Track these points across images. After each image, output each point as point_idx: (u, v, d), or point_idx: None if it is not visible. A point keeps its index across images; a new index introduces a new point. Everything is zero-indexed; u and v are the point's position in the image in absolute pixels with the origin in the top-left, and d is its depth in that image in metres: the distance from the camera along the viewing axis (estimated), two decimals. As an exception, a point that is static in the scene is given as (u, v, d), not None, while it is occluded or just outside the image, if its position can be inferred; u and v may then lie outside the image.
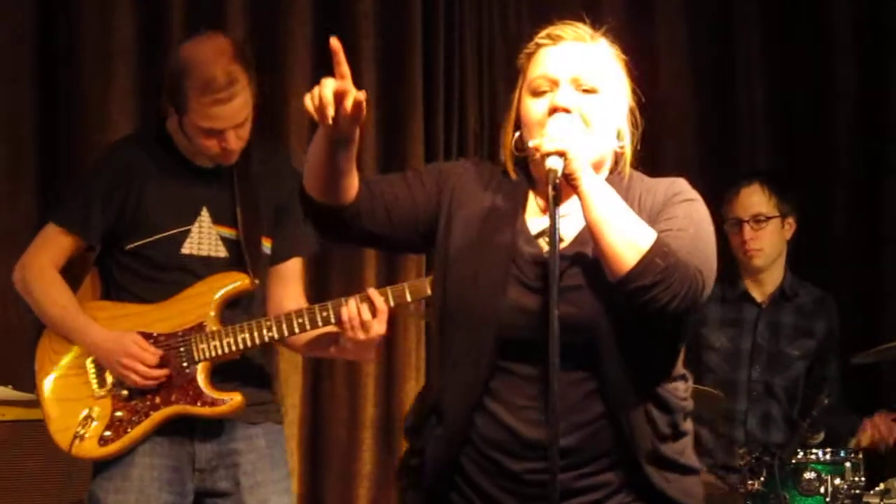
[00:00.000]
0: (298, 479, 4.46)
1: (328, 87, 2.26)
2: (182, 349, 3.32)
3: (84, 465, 3.40)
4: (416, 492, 2.53)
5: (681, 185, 2.54)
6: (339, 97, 2.26)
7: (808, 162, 5.08)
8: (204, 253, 3.37)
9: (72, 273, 3.39)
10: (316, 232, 2.60)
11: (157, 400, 3.31)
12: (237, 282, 3.36)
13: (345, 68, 2.26)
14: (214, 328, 3.32)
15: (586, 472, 2.42)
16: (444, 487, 2.50)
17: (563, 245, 2.42)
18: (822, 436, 4.09)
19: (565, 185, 2.38)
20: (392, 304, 3.26)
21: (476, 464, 2.47)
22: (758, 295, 4.40)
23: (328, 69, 2.28)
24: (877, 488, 3.98)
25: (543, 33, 2.55)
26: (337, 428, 4.54)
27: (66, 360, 3.37)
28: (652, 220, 2.41)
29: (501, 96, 4.58)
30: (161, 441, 3.33)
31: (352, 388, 4.54)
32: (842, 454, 3.91)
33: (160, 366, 3.30)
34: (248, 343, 3.30)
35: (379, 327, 3.23)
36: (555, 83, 2.48)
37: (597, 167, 2.46)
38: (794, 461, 3.88)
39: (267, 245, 3.44)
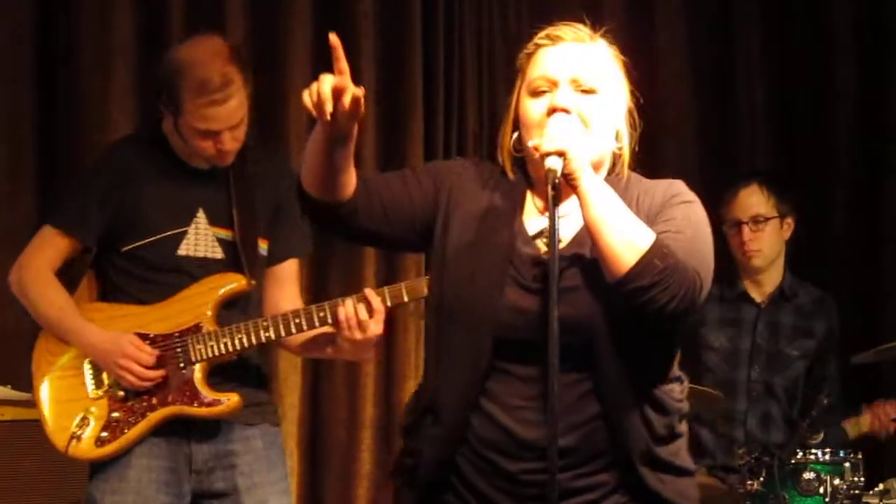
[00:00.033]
0: (298, 478, 4.47)
1: (326, 83, 2.25)
2: (179, 350, 3.32)
3: (81, 464, 3.40)
4: (412, 491, 2.53)
5: (679, 186, 2.54)
6: (338, 93, 2.25)
7: (808, 162, 5.08)
8: (200, 254, 3.37)
9: (68, 275, 3.39)
10: (313, 228, 2.60)
11: (154, 401, 3.31)
12: (234, 283, 3.36)
13: (343, 64, 2.25)
14: (211, 329, 3.32)
15: (582, 472, 2.42)
16: (440, 488, 2.50)
17: (560, 246, 2.41)
18: (821, 436, 4.09)
19: (564, 186, 2.38)
20: (389, 304, 3.26)
21: (472, 464, 2.47)
22: (757, 295, 4.40)
23: (328, 68, 2.27)
24: (876, 488, 3.98)
25: (543, 34, 2.55)
26: (336, 428, 4.54)
27: (62, 361, 3.36)
28: (650, 222, 2.41)
29: (501, 96, 4.58)
30: (158, 442, 3.33)
31: (351, 388, 4.55)
32: (841, 454, 3.91)
33: (157, 366, 3.30)
34: (245, 343, 3.30)
35: (376, 327, 3.22)
36: (554, 84, 2.48)
37: (595, 168, 2.46)
38: (793, 461, 3.88)
39: (263, 246, 3.44)
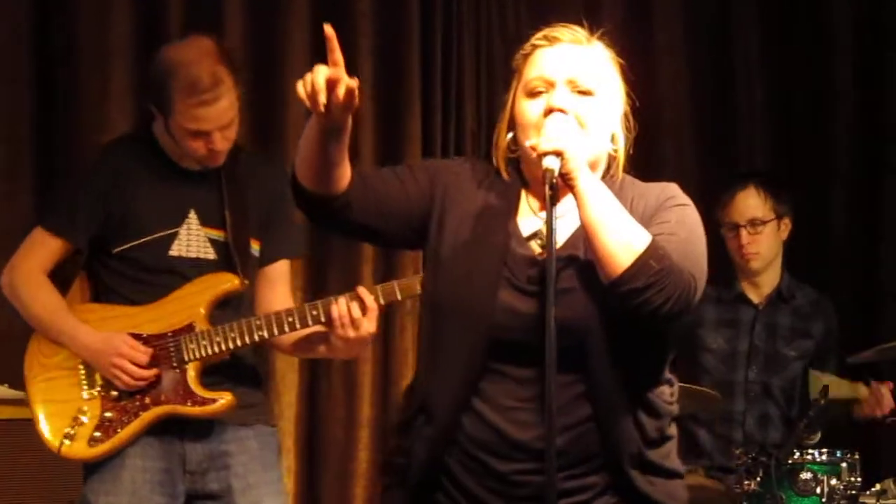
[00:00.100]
0: (295, 477, 4.47)
1: (321, 73, 2.25)
2: (172, 350, 3.32)
3: (76, 464, 3.40)
4: (402, 491, 2.53)
5: (673, 189, 2.54)
6: (332, 85, 2.25)
7: (807, 162, 5.08)
8: (193, 255, 3.37)
9: (60, 276, 3.39)
10: (308, 221, 2.60)
11: (147, 400, 3.31)
12: (227, 283, 3.36)
13: (338, 56, 2.25)
14: (204, 328, 3.31)
15: (573, 473, 2.42)
16: (431, 487, 2.50)
17: (555, 247, 2.42)
18: (818, 436, 4.09)
19: (561, 186, 2.37)
20: (382, 302, 3.26)
21: (462, 464, 2.47)
22: (754, 296, 4.40)
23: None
24: (873, 489, 3.98)
25: (540, 34, 2.55)
26: (333, 427, 4.54)
27: (55, 362, 3.36)
28: (644, 224, 2.41)
29: (499, 95, 4.53)
30: (152, 443, 3.33)
31: (348, 387, 4.55)
32: (838, 454, 3.91)
33: (150, 366, 3.30)
34: (239, 343, 3.30)
35: (369, 325, 3.22)
36: (551, 84, 2.48)
37: (590, 169, 2.45)
38: (790, 461, 3.87)
39: (255, 247, 3.44)
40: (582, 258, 2.43)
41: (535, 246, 2.47)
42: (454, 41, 4.71)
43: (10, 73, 4.25)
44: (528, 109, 2.48)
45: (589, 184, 2.39)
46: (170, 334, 3.33)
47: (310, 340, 3.40)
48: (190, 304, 3.33)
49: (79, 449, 3.31)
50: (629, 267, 2.33)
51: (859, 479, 3.89)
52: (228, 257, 3.37)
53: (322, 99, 2.25)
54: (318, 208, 2.48)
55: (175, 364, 3.32)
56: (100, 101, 4.27)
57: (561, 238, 2.43)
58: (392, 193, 2.52)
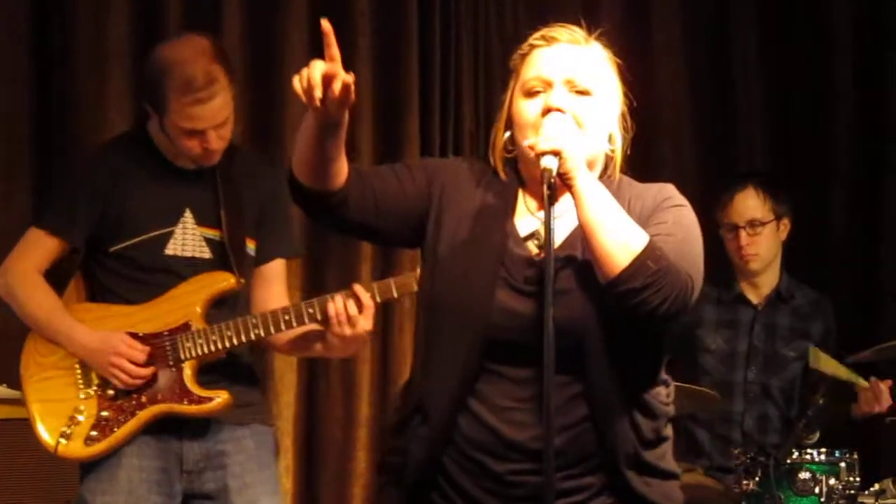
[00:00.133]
0: (293, 477, 4.47)
1: (317, 68, 2.24)
2: (168, 348, 3.32)
3: (73, 464, 3.39)
4: (398, 490, 2.52)
5: (670, 190, 2.54)
6: (328, 80, 2.24)
7: (806, 162, 5.08)
8: (188, 254, 3.37)
9: (56, 277, 3.39)
10: (305, 216, 2.60)
11: (144, 399, 3.31)
12: (223, 281, 3.36)
13: (335, 51, 2.24)
14: (200, 327, 3.32)
15: (569, 474, 2.42)
16: (427, 487, 2.50)
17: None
18: (817, 436, 4.09)
19: (559, 185, 2.37)
20: (378, 299, 3.26)
21: (458, 464, 2.47)
22: (753, 297, 4.40)
23: (325, 67, 2.28)
24: (871, 488, 3.98)
25: (538, 34, 2.55)
26: (332, 426, 4.54)
27: (51, 361, 3.36)
28: (641, 225, 2.41)
29: (497, 95, 4.54)
30: (149, 442, 3.33)
31: (347, 386, 4.55)
32: (837, 454, 3.91)
33: (146, 364, 3.30)
34: (235, 341, 3.30)
35: (365, 323, 3.23)
36: (549, 84, 2.48)
37: (588, 169, 2.45)
38: (789, 461, 3.88)
39: (251, 246, 3.44)
40: (579, 258, 2.43)
41: (533, 246, 2.46)
42: (452, 41, 4.71)
43: (8, 73, 4.25)
44: (526, 109, 2.48)
45: (587, 183, 2.38)
46: (166, 333, 3.33)
47: (306, 339, 3.40)
48: (186, 302, 3.34)
49: (75, 448, 3.31)
50: (627, 267, 2.33)
51: (858, 479, 3.89)
52: (224, 256, 3.37)
53: (318, 94, 2.24)
54: (315, 204, 2.47)
55: (171, 363, 3.32)
56: (98, 102, 4.27)
57: (558, 238, 2.42)
58: (390, 191, 2.52)
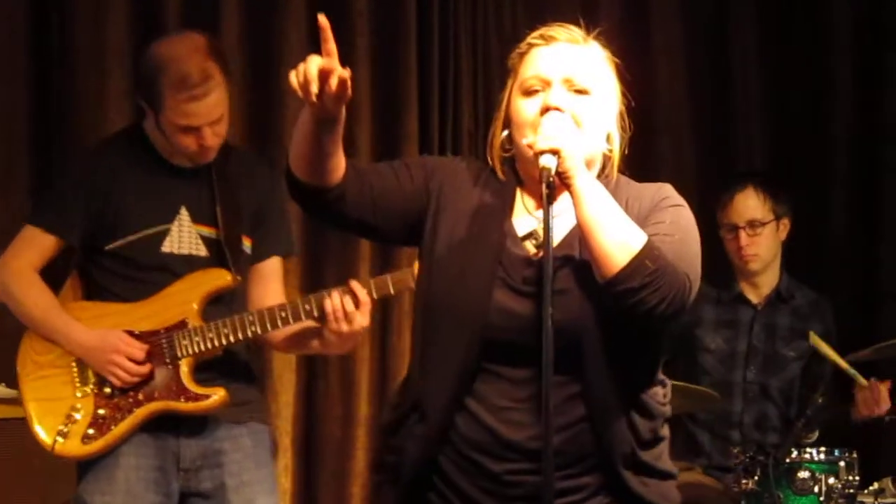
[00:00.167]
0: (292, 476, 4.47)
1: (313, 63, 2.24)
2: (165, 346, 3.32)
3: (71, 463, 3.39)
4: (394, 489, 2.52)
5: (667, 190, 2.54)
6: (325, 75, 2.24)
7: (805, 162, 5.08)
8: (185, 252, 3.37)
9: (51, 275, 3.39)
10: (303, 212, 2.59)
11: (141, 397, 3.31)
12: (219, 279, 3.36)
13: (331, 46, 2.24)
14: (197, 325, 3.32)
15: (567, 474, 2.42)
16: (423, 486, 2.50)
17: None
18: (816, 435, 4.10)
19: (557, 185, 2.37)
20: (375, 296, 3.27)
21: (455, 464, 2.47)
22: (753, 297, 4.40)
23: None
24: (871, 487, 3.99)
25: (536, 34, 2.55)
26: (331, 426, 4.54)
27: (47, 360, 3.36)
28: (639, 225, 2.41)
29: (496, 95, 4.55)
30: (146, 441, 3.33)
31: (346, 385, 4.54)
32: (836, 453, 3.91)
33: (144, 362, 3.30)
34: (231, 338, 3.30)
35: (362, 319, 3.24)
36: (547, 83, 2.48)
37: (586, 168, 2.45)
38: (788, 460, 3.88)
39: (247, 244, 3.45)
40: (577, 258, 2.43)
41: (530, 246, 2.46)
42: (451, 40, 4.70)
43: (7, 72, 4.24)
44: (524, 108, 2.48)
45: (585, 183, 2.38)
46: (162, 331, 3.33)
47: (303, 336, 3.40)
48: (182, 300, 3.34)
49: (72, 447, 3.31)
50: (625, 266, 2.33)
51: (857, 478, 3.90)
52: (220, 254, 3.37)
53: (314, 89, 2.24)
54: (312, 200, 2.47)
55: (168, 360, 3.32)
56: (97, 101, 4.27)
57: (556, 238, 2.42)
58: (388, 189, 2.52)
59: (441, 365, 2.45)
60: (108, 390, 3.32)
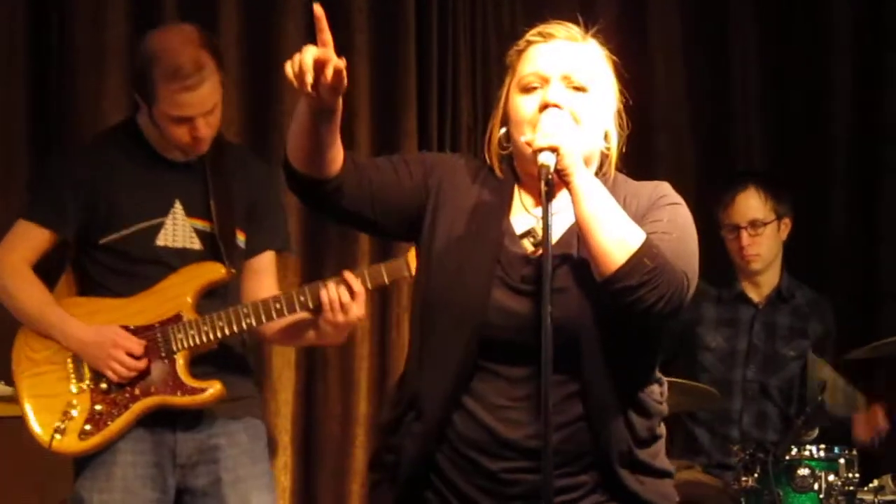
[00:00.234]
0: (291, 474, 4.46)
1: (309, 53, 2.23)
2: (160, 340, 3.32)
3: (68, 459, 3.38)
4: (391, 487, 2.52)
5: (665, 188, 2.53)
6: (320, 65, 2.23)
7: (805, 161, 5.08)
8: (179, 245, 3.38)
9: (46, 272, 3.39)
10: (301, 204, 2.60)
11: (137, 392, 3.31)
12: (213, 272, 3.36)
13: (327, 35, 2.23)
14: (192, 318, 3.32)
15: (563, 472, 2.41)
16: (420, 485, 2.49)
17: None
18: (816, 432, 4.10)
19: (556, 182, 2.36)
20: (370, 286, 3.28)
21: (452, 462, 2.46)
22: (754, 296, 4.40)
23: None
24: (870, 485, 3.99)
25: (535, 31, 2.55)
26: (330, 424, 4.54)
27: (43, 356, 3.36)
28: (637, 223, 2.40)
29: (495, 92, 4.56)
30: (143, 437, 3.33)
31: (345, 384, 4.54)
32: (836, 451, 3.91)
33: (140, 357, 3.30)
34: (227, 331, 3.31)
35: (358, 309, 3.25)
36: (545, 80, 2.48)
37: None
38: (788, 458, 3.88)
39: (241, 238, 3.45)
40: (575, 256, 2.43)
41: (528, 244, 2.46)
42: (450, 38, 4.70)
43: (6, 72, 4.25)
44: (523, 105, 2.48)
45: (584, 180, 2.38)
46: (157, 325, 3.33)
47: (298, 327, 3.41)
48: (176, 294, 3.34)
49: (69, 443, 3.31)
50: (623, 264, 2.33)
51: (857, 476, 3.90)
52: (214, 247, 3.38)
53: (309, 79, 2.23)
54: (310, 191, 2.47)
55: (164, 354, 3.32)
56: (96, 101, 4.27)
57: (555, 236, 2.41)
58: (387, 182, 2.51)
59: (438, 363, 2.45)
60: (104, 386, 3.32)
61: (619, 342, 2.40)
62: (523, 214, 2.50)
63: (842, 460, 3.89)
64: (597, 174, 2.51)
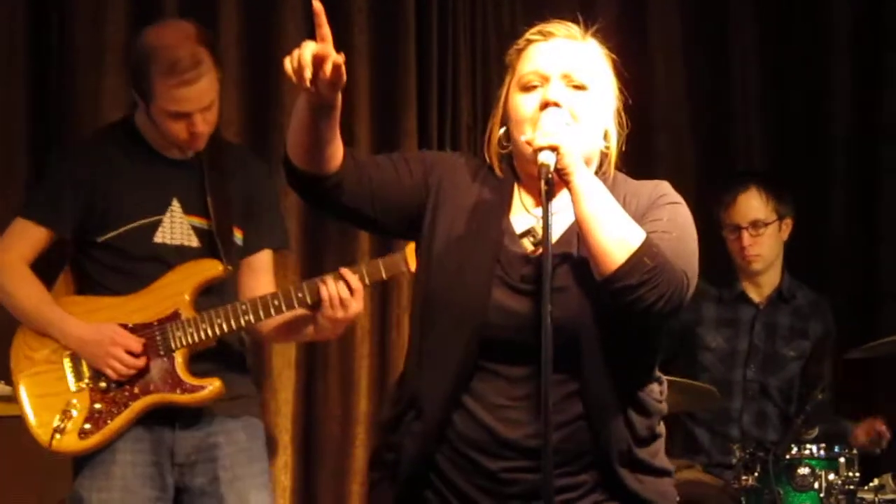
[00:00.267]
0: (292, 474, 4.46)
1: (308, 49, 2.23)
2: (159, 338, 3.32)
3: (67, 459, 3.38)
4: (391, 487, 2.52)
5: (665, 187, 2.53)
6: (319, 60, 2.23)
7: (805, 162, 5.08)
8: (177, 242, 3.38)
9: (44, 271, 3.39)
10: (301, 200, 2.60)
11: (136, 390, 3.31)
12: (210, 269, 3.37)
13: (326, 31, 2.23)
14: (190, 315, 3.33)
15: (563, 471, 2.41)
16: (420, 484, 2.49)
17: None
18: (816, 431, 4.09)
19: (556, 181, 2.36)
20: (368, 281, 3.30)
21: (451, 461, 2.46)
22: (755, 296, 4.41)
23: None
24: (871, 484, 3.98)
25: (534, 30, 2.55)
26: (330, 424, 4.54)
27: (42, 356, 3.36)
28: (636, 222, 2.40)
29: (495, 92, 4.56)
30: (141, 436, 3.33)
31: (345, 383, 4.54)
32: (836, 450, 3.91)
33: (140, 355, 3.30)
34: (225, 328, 3.31)
35: (357, 305, 3.27)
36: (545, 79, 2.47)
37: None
38: (788, 457, 3.88)
39: (238, 236, 3.45)
40: (575, 255, 2.43)
41: (528, 243, 2.46)
42: (449, 38, 4.70)
43: (6, 72, 4.25)
44: (523, 104, 2.48)
45: (584, 179, 2.38)
46: (155, 323, 3.33)
47: (295, 323, 3.42)
48: (174, 291, 3.34)
49: (69, 442, 3.31)
50: (623, 264, 2.33)
51: (857, 474, 3.89)
52: (212, 244, 3.38)
53: (307, 74, 2.23)
54: (310, 187, 2.46)
55: (162, 352, 3.32)
56: (95, 101, 4.27)
57: (554, 235, 2.41)
58: (387, 180, 2.51)
59: (438, 363, 2.45)
60: (103, 384, 3.32)
61: (618, 341, 2.40)
62: (523, 214, 2.50)
63: (842, 459, 3.89)
64: (596, 173, 2.50)
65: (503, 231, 2.47)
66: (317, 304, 3.28)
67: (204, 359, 3.36)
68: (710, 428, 4.32)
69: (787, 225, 4.39)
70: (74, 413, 3.31)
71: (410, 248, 3.17)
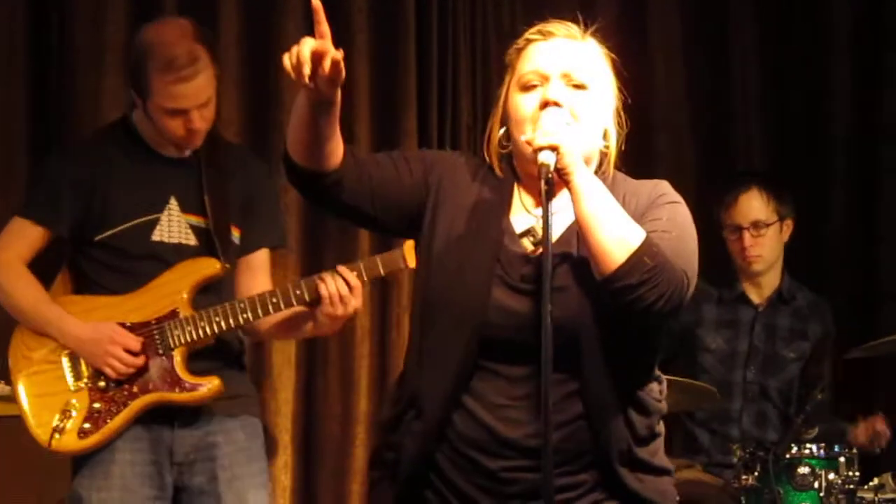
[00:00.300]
0: (292, 473, 4.46)
1: (306, 45, 2.23)
2: (157, 337, 3.32)
3: (66, 458, 3.38)
4: (391, 486, 2.52)
5: (664, 187, 2.53)
6: (318, 57, 2.24)
7: (805, 162, 5.08)
8: (174, 241, 3.38)
9: (42, 270, 3.39)
10: (301, 197, 2.60)
11: (135, 389, 3.31)
12: (208, 267, 3.37)
13: (325, 27, 2.24)
14: (188, 314, 3.33)
15: (563, 471, 2.41)
16: (420, 484, 2.49)
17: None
18: (816, 430, 4.09)
19: (556, 181, 2.36)
20: (366, 278, 3.30)
21: (452, 461, 2.46)
22: (755, 297, 4.40)
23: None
24: (871, 483, 3.99)
25: (534, 30, 2.56)
26: (330, 423, 4.54)
27: (40, 355, 3.36)
28: (636, 221, 2.40)
29: (495, 91, 4.56)
30: (140, 435, 3.33)
31: (345, 383, 4.54)
32: (836, 449, 3.91)
33: (139, 353, 3.30)
34: (224, 326, 3.31)
35: (356, 302, 3.28)
36: (545, 78, 2.48)
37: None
38: (788, 456, 3.88)
39: (236, 234, 3.46)
40: (575, 255, 2.43)
41: (528, 243, 2.46)
42: (449, 38, 4.70)
43: (6, 72, 4.25)
44: (523, 103, 2.48)
45: (584, 179, 2.38)
46: (154, 322, 3.33)
47: (294, 321, 3.42)
48: (172, 290, 3.34)
49: (69, 442, 3.31)
50: (623, 263, 2.33)
51: (857, 474, 3.89)
52: (210, 243, 3.38)
53: (306, 71, 2.23)
54: (309, 184, 2.46)
55: (161, 351, 3.32)
56: (95, 101, 4.27)
57: (554, 235, 2.40)
58: (387, 179, 2.51)
59: (438, 362, 2.45)
60: (102, 384, 3.32)
61: (618, 341, 2.40)
62: (523, 213, 2.50)
63: (842, 458, 3.89)
64: (596, 173, 2.50)
65: (503, 231, 2.47)
66: (315, 302, 3.28)
67: (202, 357, 3.36)
68: (710, 428, 4.32)
69: (788, 226, 4.39)
70: (73, 412, 3.31)
71: (409, 245, 3.18)
